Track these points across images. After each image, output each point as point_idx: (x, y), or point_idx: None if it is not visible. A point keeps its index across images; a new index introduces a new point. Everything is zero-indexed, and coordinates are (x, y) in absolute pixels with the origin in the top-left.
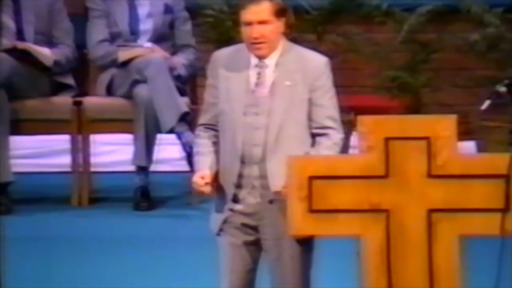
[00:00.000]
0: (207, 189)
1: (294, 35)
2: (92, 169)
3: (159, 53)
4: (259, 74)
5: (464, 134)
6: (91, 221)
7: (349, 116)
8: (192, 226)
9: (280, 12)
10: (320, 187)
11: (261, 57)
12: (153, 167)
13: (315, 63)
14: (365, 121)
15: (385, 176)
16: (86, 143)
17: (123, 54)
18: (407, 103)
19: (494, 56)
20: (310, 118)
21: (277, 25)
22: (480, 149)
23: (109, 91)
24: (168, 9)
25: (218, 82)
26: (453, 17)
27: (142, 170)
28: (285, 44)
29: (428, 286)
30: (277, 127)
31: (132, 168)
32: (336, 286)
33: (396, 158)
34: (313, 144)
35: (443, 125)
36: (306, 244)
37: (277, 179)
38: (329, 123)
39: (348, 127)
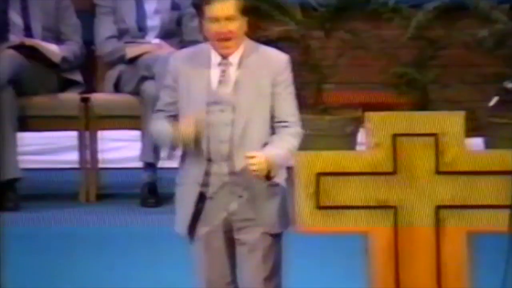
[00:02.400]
0: (192, 131)
1: (301, 32)
2: (100, 166)
3: (166, 50)
4: (223, 72)
5: (472, 130)
6: (98, 217)
7: (356, 113)
8: None
9: (244, 10)
10: (328, 183)
11: (227, 55)
12: (160, 164)
13: (277, 58)
14: (372, 118)
15: (393, 173)
16: (93, 140)
17: (131, 51)
18: (414, 100)
19: (502, 53)
20: (271, 113)
21: (242, 22)
22: (488, 145)
23: (117, 87)
24: (175, 6)
25: (178, 82)
26: (460, 14)
27: (150, 166)
28: (247, 43)
29: (435, 282)
30: (244, 122)
31: (139, 164)
32: (343, 283)
33: (404, 154)
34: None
35: (451, 122)
36: (277, 233)
37: (247, 174)
38: (290, 117)
39: (356, 123)
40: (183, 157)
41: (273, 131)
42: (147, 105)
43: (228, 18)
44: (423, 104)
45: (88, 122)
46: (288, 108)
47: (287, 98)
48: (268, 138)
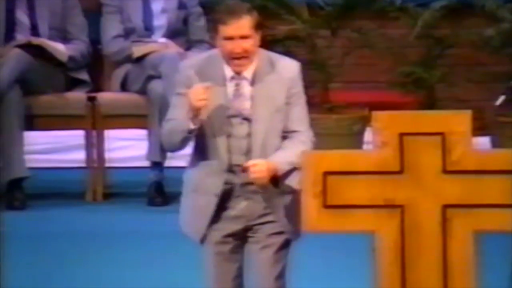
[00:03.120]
0: (206, 99)
1: (308, 31)
2: (107, 165)
3: (173, 49)
4: (237, 85)
5: (478, 129)
6: (105, 216)
7: (363, 112)
8: None
9: (258, 26)
10: (335, 182)
11: (239, 71)
12: (167, 163)
13: (290, 70)
14: (379, 117)
15: (400, 172)
16: (100, 139)
17: (137, 50)
18: (421, 99)
19: (509, 52)
20: (285, 123)
21: (256, 39)
22: (495, 144)
23: (124, 86)
24: (181, 5)
25: None
26: (467, 13)
27: (156, 165)
28: (260, 55)
29: (442, 281)
30: (262, 135)
31: (146, 163)
32: (349, 282)
33: (411, 153)
34: None
35: (457, 121)
36: (283, 250)
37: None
38: (300, 126)
39: (363, 122)
40: (194, 163)
41: (284, 139)
42: (154, 104)
43: (243, 37)
44: (430, 103)
45: (95, 121)
46: (299, 117)
47: (298, 107)
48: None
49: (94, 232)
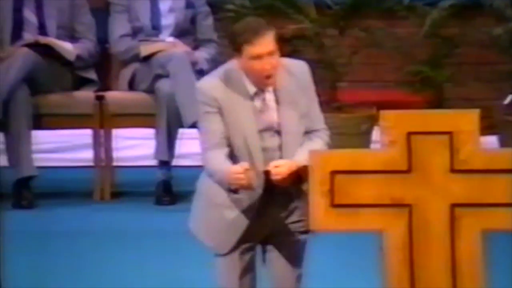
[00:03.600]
0: (248, 180)
1: (316, 30)
2: (114, 164)
3: (181, 48)
4: (263, 100)
5: (486, 128)
6: (113, 215)
7: (371, 111)
8: None
9: (278, 38)
10: (342, 181)
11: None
12: (175, 162)
13: (302, 70)
14: (387, 116)
15: (408, 171)
16: (108, 138)
17: (145, 49)
18: (429, 98)
19: None
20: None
21: (278, 52)
22: (503, 143)
23: (131, 85)
24: (189, 4)
25: (222, 112)
26: (475, 12)
27: (164, 164)
28: None
29: (450, 280)
30: (293, 145)
31: (154, 162)
32: (357, 282)
33: (419, 152)
34: None
35: (465, 120)
36: (301, 255)
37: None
38: (320, 123)
39: (370, 121)
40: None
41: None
42: (162, 103)
43: (270, 53)
44: (438, 102)
45: (102, 120)
46: (316, 115)
47: (315, 106)
48: None
49: (102, 231)
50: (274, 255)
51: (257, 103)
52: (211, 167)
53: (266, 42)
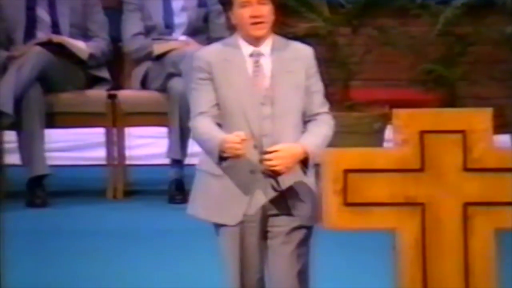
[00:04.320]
0: (243, 149)
1: (329, 29)
2: (127, 162)
3: (193, 47)
4: (256, 62)
5: (500, 127)
6: (126, 214)
7: (384, 110)
8: None
9: None
10: (355, 180)
11: (260, 38)
12: (187, 160)
13: (306, 51)
14: (400, 115)
15: (421, 170)
16: (120, 136)
17: (158, 47)
18: (442, 96)
19: None
20: (305, 106)
21: (272, 8)
22: None
23: (144, 84)
24: (202, 3)
25: (213, 75)
26: (488, 10)
27: (177, 163)
28: (274, 36)
29: (463, 279)
30: (283, 116)
31: (166, 161)
32: (370, 281)
33: (432, 151)
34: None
35: (478, 119)
36: (310, 229)
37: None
38: (322, 109)
39: (383, 120)
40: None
41: (305, 122)
42: (174, 102)
43: (260, 2)
44: (451, 101)
45: (115, 119)
46: (320, 100)
47: (318, 90)
48: (301, 130)
49: (115, 230)
50: (272, 247)
51: (250, 64)
52: (200, 135)
53: None
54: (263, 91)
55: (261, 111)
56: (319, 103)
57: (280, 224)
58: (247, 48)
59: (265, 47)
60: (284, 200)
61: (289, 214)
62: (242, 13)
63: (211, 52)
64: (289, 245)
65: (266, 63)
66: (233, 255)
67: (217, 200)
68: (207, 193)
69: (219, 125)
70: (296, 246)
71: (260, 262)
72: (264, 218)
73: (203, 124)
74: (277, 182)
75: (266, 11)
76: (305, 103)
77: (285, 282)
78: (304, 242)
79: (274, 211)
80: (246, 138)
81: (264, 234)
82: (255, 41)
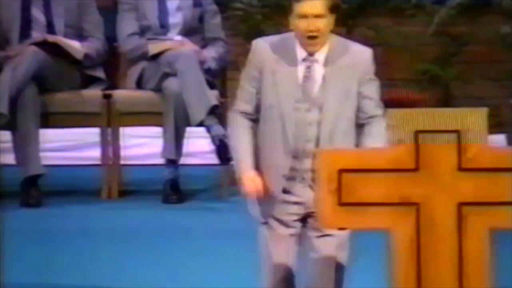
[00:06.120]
0: (258, 193)
1: None
2: (122, 162)
3: (189, 47)
4: (308, 68)
5: (494, 127)
6: (120, 213)
7: None
8: (222, 219)
9: (333, 8)
10: (350, 180)
11: (313, 53)
12: (182, 160)
13: (363, 56)
14: (395, 114)
15: (415, 169)
16: (115, 136)
17: (153, 47)
18: (437, 96)
19: None
20: (358, 110)
21: (330, 20)
22: (511, 142)
23: (139, 84)
24: (197, 3)
25: (263, 75)
26: (483, 10)
27: (172, 163)
28: (334, 39)
29: (457, 279)
30: (331, 123)
31: (161, 161)
32: (364, 280)
33: (426, 151)
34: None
35: (473, 118)
36: (345, 241)
37: None
38: (377, 112)
39: None
40: (260, 144)
41: (359, 128)
42: (169, 102)
43: (317, 16)
44: (446, 101)
45: (110, 119)
46: (376, 102)
47: (374, 95)
48: (352, 136)
49: (109, 230)
50: (311, 241)
51: (301, 70)
52: (232, 134)
53: (315, 4)
54: (311, 97)
55: (306, 117)
56: (372, 107)
57: (312, 229)
58: (301, 53)
59: (320, 53)
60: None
61: None
62: (298, 25)
63: (266, 49)
64: (329, 237)
65: (319, 69)
66: (265, 252)
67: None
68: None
69: (257, 120)
70: (336, 241)
71: (289, 258)
72: (304, 216)
73: (239, 124)
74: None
75: (323, 25)
76: (356, 108)
77: (321, 281)
78: (341, 246)
79: (313, 210)
80: (260, 187)
81: (303, 228)
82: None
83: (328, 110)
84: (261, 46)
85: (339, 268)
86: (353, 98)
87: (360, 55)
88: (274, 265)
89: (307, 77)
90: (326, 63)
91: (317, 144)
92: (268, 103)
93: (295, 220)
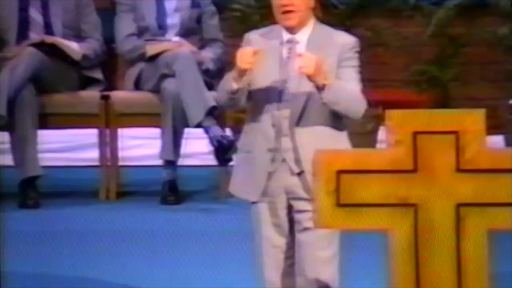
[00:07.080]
0: (252, 63)
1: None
2: (120, 163)
3: (187, 48)
4: (290, 49)
5: (492, 128)
6: (118, 215)
7: (377, 110)
8: (220, 220)
9: None
10: (348, 181)
11: (290, 28)
12: (180, 161)
13: (345, 38)
14: (393, 115)
15: (413, 171)
16: (113, 137)
17: (151, 48)
18: (435, 97)
19: None
20: None
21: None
22: (509, 143)
23: (137, 85)
24: (195, 4)
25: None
26: (481, 11)
27: (170, 164)
28: (316, 23)
29: (456, 280)
30: (304, 99)
31: (159, 162)
32: (362, 282)
33: (424, 152)
34: (336, 121)
35: (471, 119)
36: (330, 234)
37: (307, 151)
38: (353, 83)
39: (376, 121)
40: (247, 125)
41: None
42: (167, 103)
43: None
44: (443, 102)
45: (108, 120)
46: (353, 77)
47: (350, 70)
48: (330, 118)
49: (108, 231)
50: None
51: (285, 50)
52: (220, 86)
53: None
54: (290, 76)
55: (283, 94)
56: (351, 79)
57: (303, 209)
58: (286, 35)
59: (302, 35)
60: (305, 188)
61: (310, 202)
62: (273, 1)
63: (255, 36)
64: (312, 231)
65: (301, 49)
66: (258, 232)
67: (242, 176)
68: (236, 169)
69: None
70: (321, 234)
71: (289, 242)
72: (288, 202)
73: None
74: (296, 165)
75: (298, 0)
76: None
77: (311, 267)
78: (326, 238)
79: (296, 195)
80: (257, 51)
81: (291, 218)
82: (289, 29)
83: (303, 87)
84: (251, 35)
85: (326, 262)
86: (332, 73)
87: (342, 37)
88: (273, 250)
89: (289, 57)
90: (308, 44)
91: (292, 121)
92: (255, 79)
93: (281, 208)
